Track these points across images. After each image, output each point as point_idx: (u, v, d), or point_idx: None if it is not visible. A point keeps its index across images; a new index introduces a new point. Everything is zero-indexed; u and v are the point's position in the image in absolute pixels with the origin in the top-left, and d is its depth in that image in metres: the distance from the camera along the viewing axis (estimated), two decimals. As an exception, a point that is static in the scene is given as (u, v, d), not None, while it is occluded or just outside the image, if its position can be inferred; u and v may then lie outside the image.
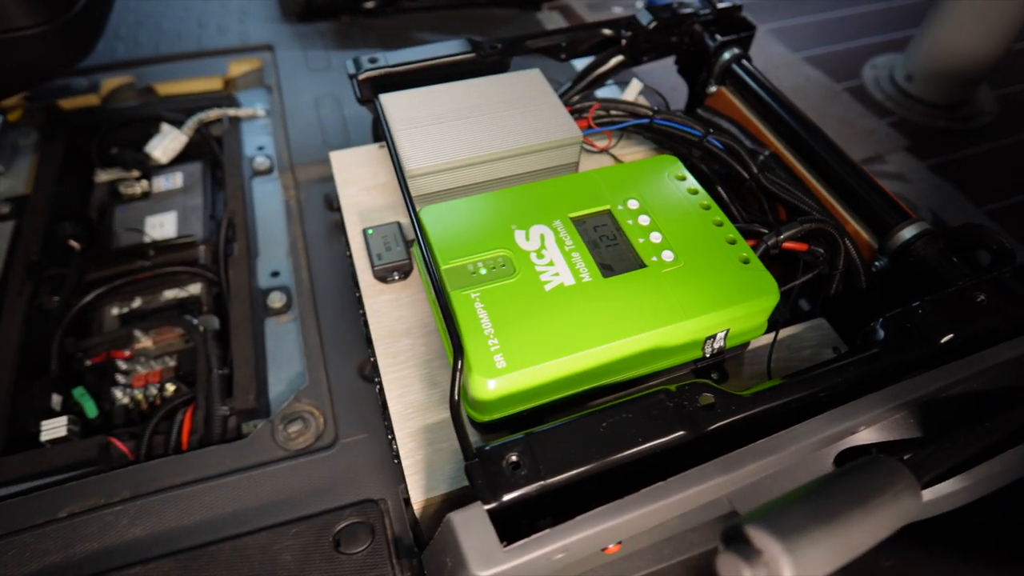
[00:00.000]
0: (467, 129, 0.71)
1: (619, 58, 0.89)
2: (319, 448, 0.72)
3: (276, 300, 0.88)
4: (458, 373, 0.49)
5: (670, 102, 0.92)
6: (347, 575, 0.63)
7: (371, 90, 0.77)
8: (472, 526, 0.41)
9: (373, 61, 0.77)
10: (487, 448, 0.47)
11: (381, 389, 0.65)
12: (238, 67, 1.20)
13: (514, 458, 0.45)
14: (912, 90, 1.34)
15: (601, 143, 0.83)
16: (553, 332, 0.53)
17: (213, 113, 1.11)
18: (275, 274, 0.92)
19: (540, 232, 0.60)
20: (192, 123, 1.08)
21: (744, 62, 0.86)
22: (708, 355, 0.60)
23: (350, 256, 0.76)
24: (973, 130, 1.29)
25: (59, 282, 0.91)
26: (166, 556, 0.62)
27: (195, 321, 0.88)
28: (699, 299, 0.56)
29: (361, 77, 0.76)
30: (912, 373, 0.53)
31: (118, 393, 0.83)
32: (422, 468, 0.56)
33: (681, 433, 0.48)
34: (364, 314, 0.70)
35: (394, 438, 0.60)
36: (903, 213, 0.68)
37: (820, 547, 0.30)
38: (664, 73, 1.00)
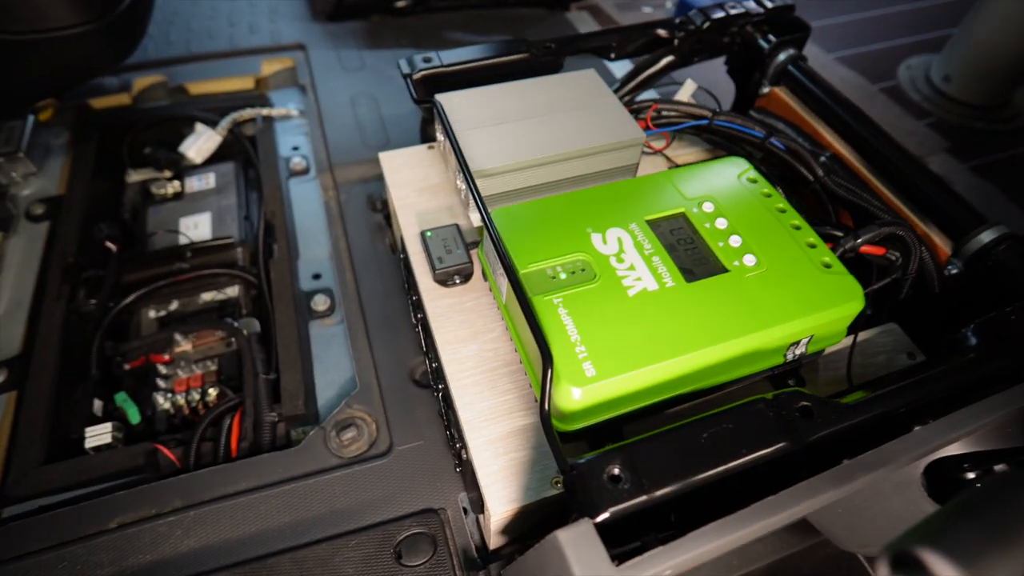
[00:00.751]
0: (530, 130, 0.70)
1: (670, 58, 0.88)
2: (373, 456, 0.70)
3: (320, 303, 0.85)
4: (548, 382, 0.47)
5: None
6: (410, 588, 0.61)
7: (425, 90, 0.75)
8: (581, 543, 0.39)
9: (427, 60, 0.76)
10: (583, 461, 0.45)
11: (445, 395, 0.63)
12: (270, 66, 1.19)
13: (616, 471, 0.43)
14: (950, 91, 1.32)
15: (657, 144, 0.81)
16: (641, 339, 0.51)
17: (247, 113, 1.09)
18: (317, 276, 0.90)
19: (617, 235, 0.58)
20: (226, 123, 1.06)
21: (801, 62, 0.84)
22: (788, 361, 0.58)
23: (404, 259, 0.74)
24: (1013, 131, 1.28)
25: (96, 285, 0.89)
26: (223, 569, 0.60)
27: (235, 324, 0.86)
28: (785, 305, 0.54)
29: (416, 76, 0.74)
30: (1010, 380, 0.51)
31: (159, 398, 0.81)
32: (500, 479, 0.53)
33: (783, 444, 0.46)
34: (423, 319, 0.68)
35: (463, 446, 0.58)
36: (978, 216, 0.66)
37: (1001, 570, 0.28)
38: (699, 73, 0.98)
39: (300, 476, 0.67)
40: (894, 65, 1.35)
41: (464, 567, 0.62)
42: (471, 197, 0.66)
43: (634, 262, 0.56)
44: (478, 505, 0.63)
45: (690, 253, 0.58)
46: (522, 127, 0.70)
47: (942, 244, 0.69)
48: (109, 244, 0.92)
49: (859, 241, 0.62)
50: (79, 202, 0.95)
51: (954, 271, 0.66)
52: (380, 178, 0.98)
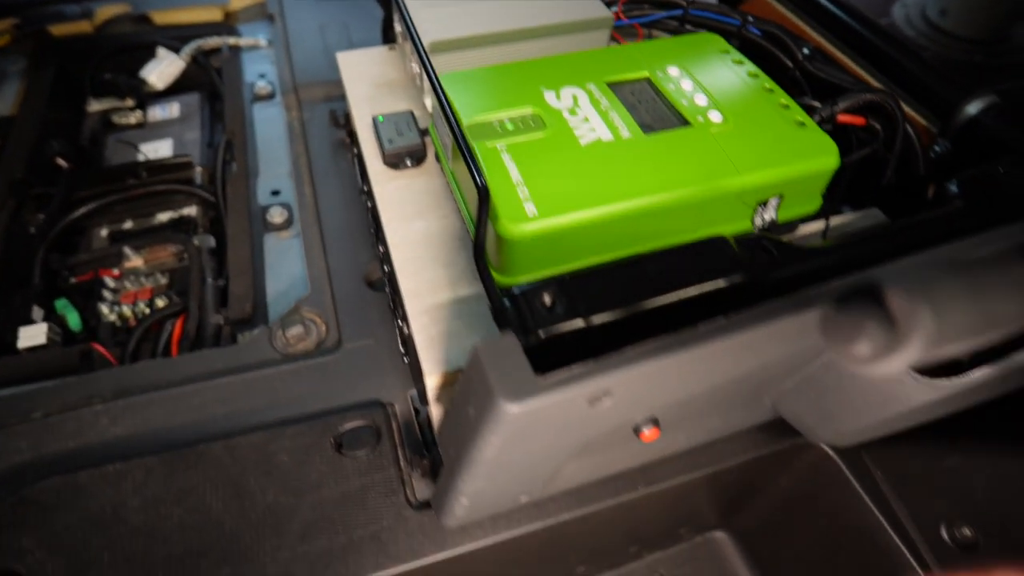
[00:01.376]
0: (489, 7, 0.65)
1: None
2: (320, 353, 0.66)
3: (276, 215, 0.81)
4: (484, 216, 0.43)
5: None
6: (349, 477, 0.57)
7: (382, -25, 0.71)
8: (502, 354, 0.35)
9: (384, -56, 0.72)
10: (517, 290, 0.40)
11: (391, 277, 0.59)
12: (240, -1, 1.15)
13: (548, 298, 0.39)
14: (946, 25, 1.28)
15: (628, 41, 0.76)
16: (590, 184, 0.47)
17: (213, 41, 1.05)
18: (276, 192, 0.85)
19: (572, 93, 0.54)
20: (190, 48, 1.03)
21: (781, -42, 0.80)
22: (758, 228, 0.53)
23: (357, 152, 0.70)
24: (1012, 65, 1.23)
25: (45, 202, 0.85)
26: (151, 454, 0.56)
27: (188, 237, 0.82)
28: (751, 157, 0.50)
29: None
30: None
31: (104, 308, 0.77)
32: (438, 344, 0.49)
33: (736, 277, 0.42)
34: (373, 207, 0.64)
35: (404, 320, 0.54)
36: (966, 89, 0.61)
37: (962, 305, 0.24)
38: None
39: (240, 368, 0.63)
40: (889, 2, 1.31)
41: (408, 458, 0.58)
42: (422, 71, 0.62)
43: (588, 115, 0.52)
44: (424, 394, 0.59)
45: (651, 110, 0.54)
46: (481, 5, 0.66)
47: (929, 126, 0.64)
48: (60, 161, 0.88)
49: (837, 108, 0.58)
50: (32, 123, 0.91)
51: (940, 150, 0.62)
52: (344, 97, 0.94)
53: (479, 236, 0.42)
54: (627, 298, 0.39)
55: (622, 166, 0.48)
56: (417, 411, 0.62)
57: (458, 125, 0.48)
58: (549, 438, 0.41)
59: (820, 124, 0.58)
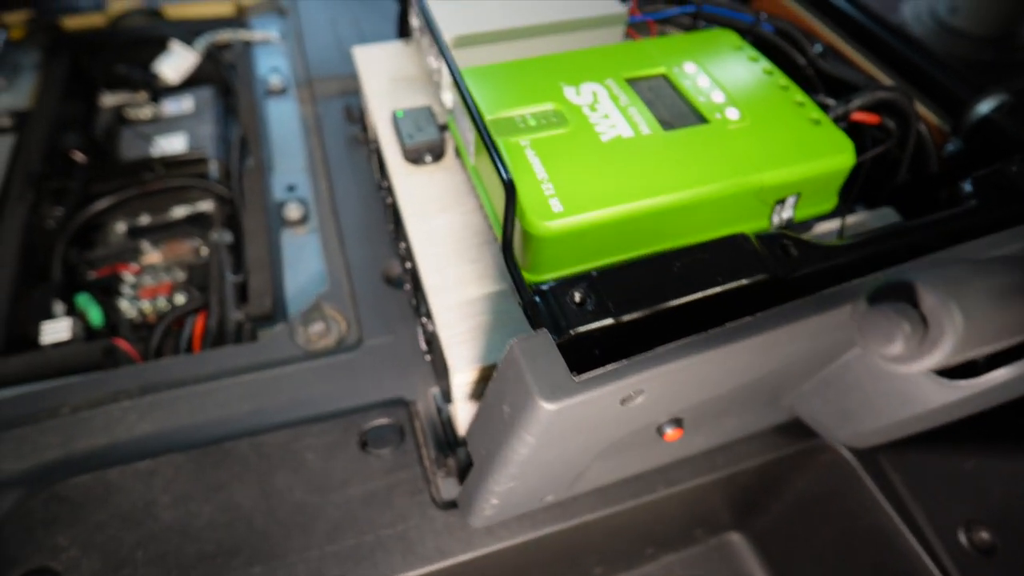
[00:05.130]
0: (506, 4, 0.66)
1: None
2: (342, 350, 0.67)
3: (293, 211, 0.82)
4: (512, 211, 0.44)
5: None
6: (374, 476, 0.58)
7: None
8: (538, 352, 0.36)
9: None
10: (546, 287, 0.41)
11: (414, 273, 0.60)
12: (251, -8, 1.15)
13: (578, 296, 0.40)
14: (957, 23, 1.28)
15: (641, 36, 0.77)
16: (613, 181, 0.48)
17: (225, 35, 1.06)
18: (292, 188, 0.86)
19: (592, 89, 0.55)
20: (203, 42, 1.03)
21: (794, -45, 0.80)
22: (776, 226, 0.54)
23: (375, 147, 0.70)
24: (1022, 62, 1.24)
25: (62, 195, 0.86)
26: (178, 451, 0.57)
27: (207, 233, 0.82)
28: (769, 155, 0.51)
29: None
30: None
31: (124, 304, 0.78)
32: (464, 340, 0.50)
33: (762, 276, 0.42)
34: (393, 203, 0.65)
35: (429, 316, 0.54)
36: (978, 87, 0.62)
37: (989, 306, 0.25)
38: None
39: (263, 365, 0.64)
40: (894, 2, 1.32)
41: (433, 457, 0.59)
42: (445, 69, 0.62)
43: (608, 112, 0.53)
44: (447, 389, 0.60)
45: (669, 107, 0.54)
46: (496, 1, 0.66)
47: (940, 125, 0.65)
48: (76, 154, 0.89)
49: (851, 106, 0.58)
50: (47, 116, 0.91)
51: (953, 149, 0.63)
52: (358, 92, 0.95)
53: (507, 232, 0.43)
54: (654, 296, 0.40)
55: (644, 163, 0.49)
56: (439, 409, 0.63)
57: (481, 121, 0.48)
58: (581, 437, 0.42)
59: (835, 122, 0.59)
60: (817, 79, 0.69)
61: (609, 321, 0.39)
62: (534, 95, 0.53)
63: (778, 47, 0.71)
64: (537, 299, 0.40)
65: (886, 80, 0.69)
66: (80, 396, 0.61)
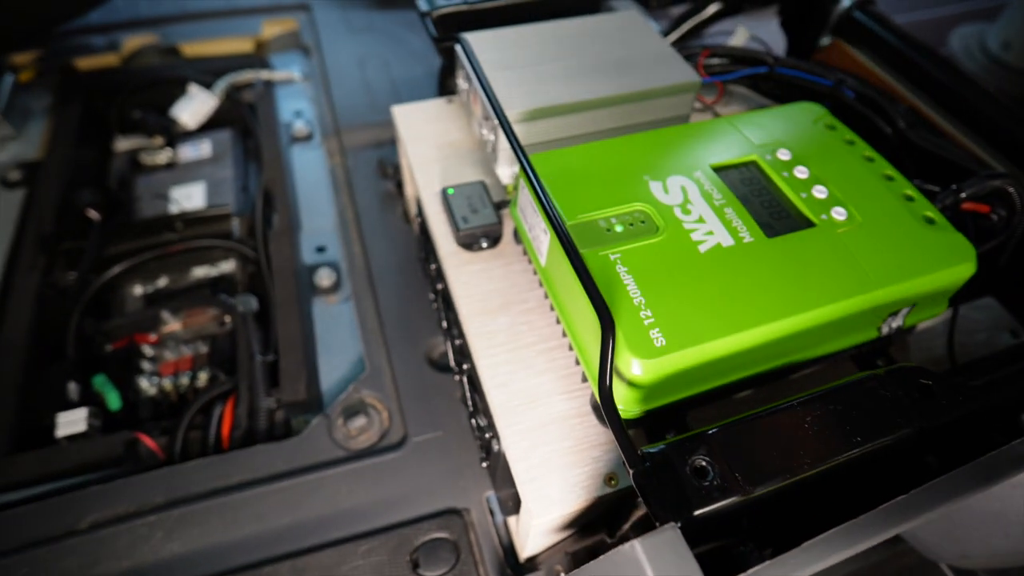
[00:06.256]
0: (568, 72, 0.60)
1: (716, 6, 0.78)
2: (385, 448, 0.61)
3: (324, 278, 0.76)
4: (610, 351, 0.38)
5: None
6: (430, 603, 0.52)
7: (445, 29, 0.66)
8: (666, 556, 0.30)
9: (448, -3, 0.66)
10: (656, 451, 0.35)
11: (471, 377, 0.54)
12: (271, 28, 1.09)
13: (701, 463, 0.34)
14: (1009, 59, 1.23)
15: (707, 98, 0.71)
16: (718, 303, 0.42)
17: (246, 75, 1.00)
18: (321, 249, 0.80)
19: (680, 184, 0.49)
20: (223, 84, 0.97)
21: (869, 7, 0.75)
22: (881, 335, 0.49)
23: (421, 222, 0.65)
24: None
25: (76, 257, 0.80)
26: (211, 579, 0.51)
27: (230, 301, 0.76)
28: (886, 265, 0.45)
29: (436, 14, 0.65)
30: None
31: (144, 383, 0.72)
32: (540, 475, 0.44)
33: (906, 431, 0.37)
34: (443, 289, 0.59)
35: (494, 436, 0.49)
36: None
37: None
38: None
39: (301, 470, 0.58)
40: (945, 34, 1.26)
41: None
42: (502, 143, 0.57)
43: (703, 213, 0.47)
44: (509, 506, 0.54)
45: (768, 205, 0.48)
46: (559, 68, 0.60)
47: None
48: (91, 212, 0.83)
49: (963, 195, 0.52)
50: (60, 168, 0.86)
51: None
52: (391, 143, 0.89)
53: (605, 381, 0.37)
54: (787, 463, 0.34)
55: (750, 279, 0.43)
56: (493, 512, 0.58)
57: (566, 234, 0.43)
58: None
59: (942, 212, 0.53)
60: (904, 152, 0.64)
61: (738, 498, 0.33)
62: (618, 193, 0.48)
63: (860, 113, 0.65)
64: (647, 464, 0.34)
65: (982, 153, 0.63)
66: (101, 505, 0.56)
